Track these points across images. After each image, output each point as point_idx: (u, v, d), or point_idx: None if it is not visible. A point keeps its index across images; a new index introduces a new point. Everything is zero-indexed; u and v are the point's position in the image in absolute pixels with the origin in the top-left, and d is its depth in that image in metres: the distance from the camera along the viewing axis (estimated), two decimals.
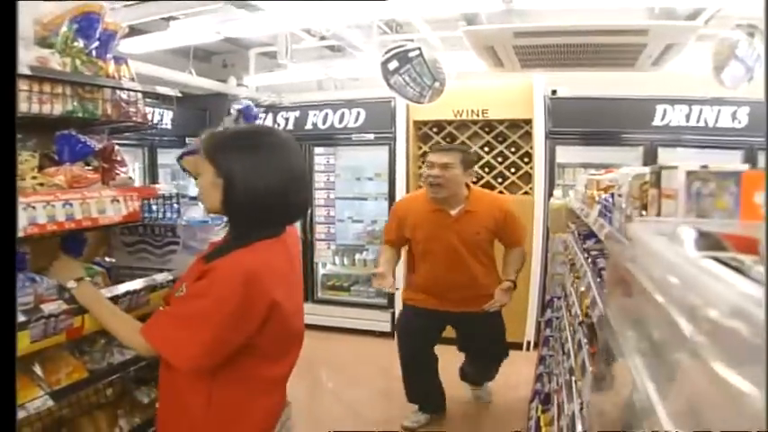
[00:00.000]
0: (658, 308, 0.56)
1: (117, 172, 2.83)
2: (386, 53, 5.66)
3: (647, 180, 1.61)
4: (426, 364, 4.65)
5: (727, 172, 1.01)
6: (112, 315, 2.29)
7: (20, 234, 2.08)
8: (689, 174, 1.14)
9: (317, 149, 7.58)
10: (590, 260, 2.91)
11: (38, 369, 2.39)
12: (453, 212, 4.29)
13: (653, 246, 0.65)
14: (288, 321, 2.12)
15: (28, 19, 2.63)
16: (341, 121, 7.42)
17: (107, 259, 3.08)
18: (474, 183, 6.79)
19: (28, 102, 2.29)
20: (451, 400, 4.90)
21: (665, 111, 6.31)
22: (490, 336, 4.62)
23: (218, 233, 2.84)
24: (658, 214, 1.38)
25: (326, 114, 7.49)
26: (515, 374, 5.52)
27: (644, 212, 1.60)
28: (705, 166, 1.19)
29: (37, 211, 2.14)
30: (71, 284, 2.28)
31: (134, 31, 4.71)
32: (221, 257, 2.00)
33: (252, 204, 2.01)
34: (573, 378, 2.67)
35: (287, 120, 7.65)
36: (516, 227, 4.49)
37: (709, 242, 0.65)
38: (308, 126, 7.54)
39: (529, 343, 6.58)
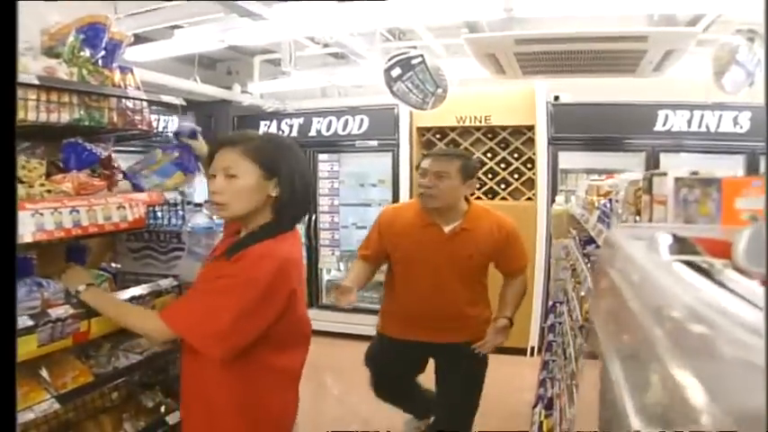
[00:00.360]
0: (628, 310, 0.59)
1: (117, 179, 2.87)
2: (389, 60, 5.70)
3: (640, 186, 1.65)
4: (404, 392, 4.16)
5: (710, 179, 1.05)
6: (124, 308, 2.40)
7: (28, 240, 2.12)
8: (677, 180, 1.18)
9: (321, 156, 7.62)
10: (590, 265, 2.94)
11: (44, 373, 2.43)
12: (447, 229, 3.55)
13: (628, 250, 0.69)
14: (301, 309, 2.28)
15: (35, 29, 2.68)
16: (344, 127, 7.47)
17: (113, 265, 3.12)
18: (477, 189, 6.89)
19: (36, 110, 2.34)
20: None
21: (666, 116, 6.33)
22: (467, 379, 3.76)
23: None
24: (650, 220, 1.42)
25: (330, 121, 7.53)
26: (519, 379, 5.54)
27: (638, 218, 1.63)
28: (695, 173, 1.22)
29: (45, 217, 2.18)
30: (81, 288, 2.33)
31: (139, 39, 4.76)
32: (250, 247, 2.11)
33: (296, 201, 2.21)
34: (574, 382, 2.70)
35: (291, 127, 7.70)
36: (518, 252, 3.76)
37: (682, 247, 0.68)
38: (312, 133, 7.58)
39: (533, 348, 6.59)
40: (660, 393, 0.44)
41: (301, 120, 7.69)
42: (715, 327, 0.41)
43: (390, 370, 3.97)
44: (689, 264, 0.62)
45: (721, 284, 0.55)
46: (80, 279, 2.38)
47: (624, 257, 0.71)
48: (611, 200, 2.45)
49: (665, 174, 1.26)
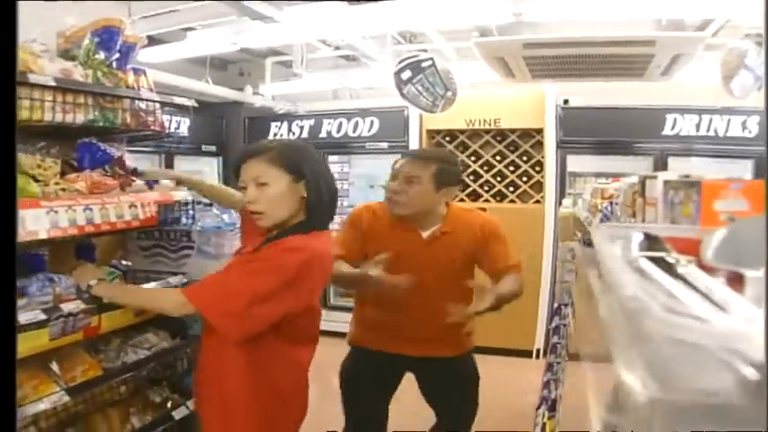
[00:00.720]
0: (594, 304, 0.64)
1: (132, 179, 2.93)
2: (399, 63, 5.74)
3: (636, 189, 1.69)
4: (377, 423, 3.45)
5: (692, 181, 1.09)
6: (138, 290, 2.49)
7: (43, 236, 2.19)
8: (665, 183, 1.22)
9: (332, 158, 7.66)
10: None
11: (55, 366, 2.49)
12: (425, 234, 3.14)
13: (600, 248, 0.74)
14: (317, 303, 2.40)
15: (51, 32, 2.75)
16: (355, 129, 7.51)
17: (123, 263, 3.18)
18: (486, 192, 6.94)
19: (52, 111, 2.41)
20: None
21: (675, 120, 6.34)
22: (460, 386, 3.37)
23: (232, 239, 2.93)
24: (643, 221, 1.46)
25: (341, 123, 7.58)
26: (524, 382, 5.55)
27: (633, 220, 1.68)
28: (687, 176, 1.26)
29: (59, 215, 2.25)
30: (92, 282, 2.39)
31: (153, 40, 4.83)
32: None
33: (324, 199, 2.29)
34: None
35: (302, 128, 7.75)
36: (502, 251, 3.26)
37: (652, 244, 0.73)
38: (323, 134, 7.63)
39: (539, 351, 6.60)
40: (615, 381, 0.48)
41: (312, 121, 7.74)
42: (651, 312, 0.45)
43: (366, 387, 3.35)
44: (655, 259, 0.67)
45: (679, 276, 0.60)
46: (91, 275, 2.44)
47: (597, 255, 0.75)
48: (612, 203, 2.49)
49: (655, 177, 1.31)
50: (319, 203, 2.27)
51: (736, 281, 0.64)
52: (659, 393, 0.37)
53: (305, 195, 2.23)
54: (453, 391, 3.36)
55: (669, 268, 0.65)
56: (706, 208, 1.00)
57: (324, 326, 2.89)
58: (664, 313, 0.43)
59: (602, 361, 0.61)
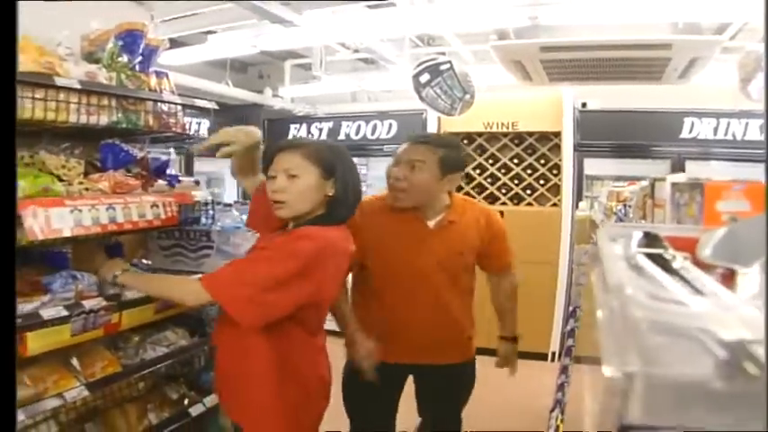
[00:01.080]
0: (594, 298, 0.67)
1: (153, 179, 2.98)
2: (418, 66, 5.76)
3: (647, 192, 1.72)
4: None
5: (696, 183, 1.12)
6: (162, 278, 2.56)
7: (67, 234, 2.24)
8: (673, 185, 1.25)
9: None
10: None
11: (75, 362, 2.54)
12: (431, 223, 2.93)
13: (601, 246, 0.77)
14: (332, 297, 2.44)
15: (76, 35, 2.82)
16: (373, 132, 7.55)
17: (144, 261, 3.23)
18: (504, 194, 6.95)
19: (77, 113, 2.47)
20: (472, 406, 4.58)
21: (692, 124, 6.31)
22: (459, 393, 3.20)
23: (251, 239, 2.97)
24: (652, 222, 1.49)
25: (359, 125, 7.62)
26: (538, 384, 5.55)
27: (643, 221, 1.70)
28: (696, 179, 1.29)
29: (83, 213, 2.30)
30: (117, 272, 2.45)
31: (174, 43, 4.89)
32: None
33: (348, 198, 2.35)
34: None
35: (320, 130, 7.80)
36: (506, 245, 3.16)
37: (650, 242, 0.76)
38: (341, 137, 7.67)
39: (554, 354, 6.60)
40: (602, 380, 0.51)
41: (331, 124, 7.78)
42: (631, 298, 0.48)
43: (373, 405, 3.09)
44: (651, 256, 0.70)
45: (673, 271, 0.63)
46: (117, 267, 2.50)
47: (599, 253, 0.79)
48: (626, 205, 2.51)
49: (664, 179, 1.33)
50: (343, 202, 2.33)
51: (729, 277, 0.67)
52: (638, 368, 0.40)
53: (330, 194, 2.29)
54: (452, 399, 3.20)
55: (665, 264, 0.68)
56: (709, 208, 1.03)
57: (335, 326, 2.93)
58: (648, 300, 0.46)
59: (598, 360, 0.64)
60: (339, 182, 2.30)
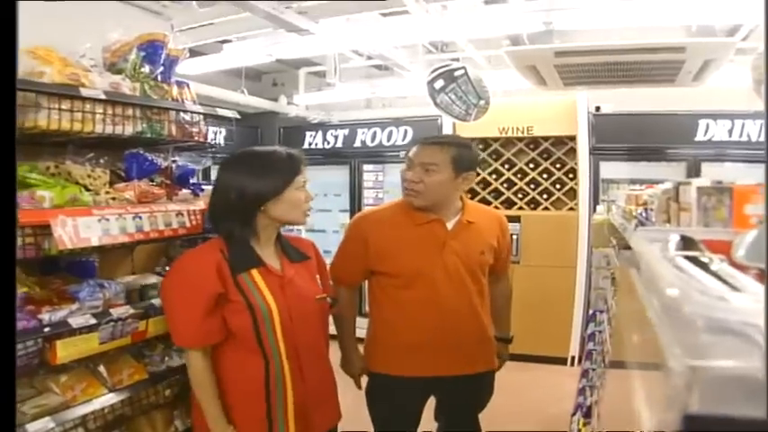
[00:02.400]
0: (638, 299, 0.69)
1: (178, 188, 3.02)
2: (432, 72, 5.79)
3: (670, 195, 1.73)
4: None
5: (724, 187, 1.13)
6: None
7: (95, 243, 2.28)
8: (699, 189, 1.27)
9: (366, 167, 7.71)
10: None
11: (102, 370, 2.57)
12: (450, 224, 2.90)
13: (640, 248, 0.79)
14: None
15: (97, 47, 2.85)
16: (389, 138, 7.57)
17: (167, 269, 3.26)
18: (520, 199, 6.95)
19: (102, 123, 2.51)
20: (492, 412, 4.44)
21: (707, 126, 6.29)
22: (474, 405, 3.18)
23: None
24: (678, 226, 1.50)
25: (375, 132, 7.65)
26: (559, 388, 5.55)
27: (668, 225, 1.71)
28: (719, 182, 1.31)
29: (110, 223, 2.34)
30: None
31: (190, 53, 4.94)
32: None
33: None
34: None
35: (336, 138, 7.83)
36: (509, 250, 3.21)
37: (687, 245, 0.78)
38: (357, 144, 7.70)
39: (573, 358, 6.58)
40: (658, 369, 0.52)
41: (346, 131, 7.81)
42: (690, 297, 0.50)
43: (401, 422, 3.02)
44: (690, 258, 0.72)
45: (713, 273, 0.65)
46: None
47: (639, 256, 0.81)
48: (647, 209, 2.51)
49: (689, 183, 1.35)
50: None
51: (761, 278, 0.69)
52: (696, 362, 0.42)
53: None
54: (473, 407, 3.18)
55: (703, 266, 0.70)
56: (738, 212, 1.05)
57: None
58: (701, 297, 0.48)
59: (650, 360, 0.65)
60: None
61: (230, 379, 2.35)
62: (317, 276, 2.57)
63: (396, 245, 2.87)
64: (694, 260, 0.72)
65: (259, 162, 2.38)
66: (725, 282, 0.61)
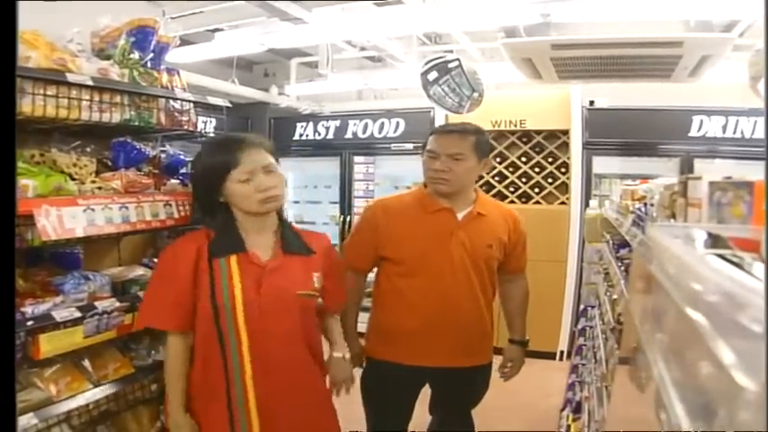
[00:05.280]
0: (670, 298, 0.64)
1: (166, 178, 2.95)
2: (426, 64, 5.74)
3: (676, 190, 1.68)
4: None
5: (743, 182, 1.08)
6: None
7: (80, 234, 2.21)
8: (711, 184, 1.22)
9: (357, 158, 7.66)
10: (623, 268, 2.96)
11: (87, 364, 2.51)
12: (460, 215, 2.91)
13: (667, 245, 0.74)
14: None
15: (87, 32, 2.78)
16: (380, 130, 7.53)
17: (154, 260, 3.20)
18: (512, 193, 6.91)
19: (89, 110, 2.43)
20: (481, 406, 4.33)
21: (701, 121, 6.28)
22: (469, 399, 3.19)
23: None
24: (685, 222, 1.45)
25: (366, 124, 7.60)
26: (548, 383, 5.55)
27: (672, 221, 1.67)
28: (729, 177, 1.26)
29: (96, 213, 2.27)
30: None
31: (180, 41, 4.87)
32: None
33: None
34: (604, 385, 2.72)
35: (327, 129, 7.78)
36: (525, 245, 3.16)
37: (715, 242, 0.73)
38: (348, 135, 7.66)
39: (562, 352, 6.59)
40: (704, 375, 0.48)
41: (338, 122, 7.77)
42: (748, 305, 0.45)
43: (394, 409, 3.07)
44: (721, 257, 0.67)
45: (750, 274, 0.60)
46: None
47: (662, 253, 0.76)
48: (645, 204, 2.47)
49: (699, 178, 1.30)
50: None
51: None
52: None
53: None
54: (468, 401, 3.20)
55: (736, 265, 0.65)
56: (758, 208, 1.00)
57: None
58: (758, 302, 0.43)
59: (677, 357, 0.61)
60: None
61: (195, 367, 2.35)
62: (316, 273, 2.47)
63: (404, 231, 2.91)
64: (724, 259, 0.67)
65: (201, 155, 2.42)
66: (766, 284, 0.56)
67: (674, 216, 1.70)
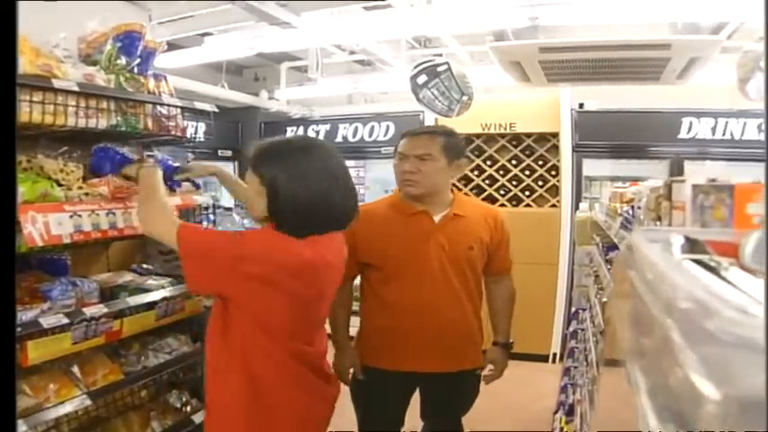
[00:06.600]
0: (643, 305, 0.64)
1: None
2: (415, 68, 5.75)
3: (661, 193, 1.69)
4: None
5: (724, 185, 1.09)
6: (158, 202, 2.24)
7: (66, 240, 2.21)
8: (694, 187, 1.22)
9: (348, 162, 7.62)
10: (612, 271, 2.97)
11: (76, 370, 2.51)
12: (437, 217, 2.87)
13: (644, 250, 0.74)
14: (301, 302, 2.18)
15: (74, 37, 2.78)
16: (370, 134, 7.53)
17: (143, 266, 3.20)
18: (502, 196, 6.92)
19: (75, 116, 2.43)
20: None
21: (690, 124, 6.30)
22: (458, 405, 3.16)
23: None
24: (670, 225, 1.46)
25: (356, 128, 7.60)
26: (541, 386, 5.55)
27: (658, 224, 1.67)
28: (713, 180, 1.26)
29: (83, 219, 2.27)
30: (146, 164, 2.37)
31: (169, 46, 4.86)
32: None
33: (294, 211, 2.09)
34: (595, 387, 2.73)
35: (317, 133, 7.76)
36: (508, 245, 3.11)
37: (692, 247, 0.73)
38: (339, 139, 7.64)
39: (555, 355, 6.59)
40: (673, 383, 0.48)
41: (328, 126, 7.76)
42: (715, 312, 0.45)
43: (384, 418, 3.04)
44: (698, 262, 0.67)
45: (725, 279, 0.60)
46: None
47: (640, 257, 0.76)
48: (633, 206, 2.48)
49: (683, 181, 1.31)
50: (281, 213, 2.16)
51: None
52: (731, 390, 0.37)
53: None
54: (458, 407, 3.16)
55: (712, 271, 0.65)
56: (739, 211, 1.00)
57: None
58: (724, 311, 0.43)
59: (652, 364, 0.61)
60: (273, 194, 2.10)
61: None
62: None
63: (381, 237, 2.87)
64: (701, 264, 0.67)
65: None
66: (738, 289, 0.56)
67: (659, 219, 1.70)
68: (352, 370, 2.93)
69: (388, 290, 2.87)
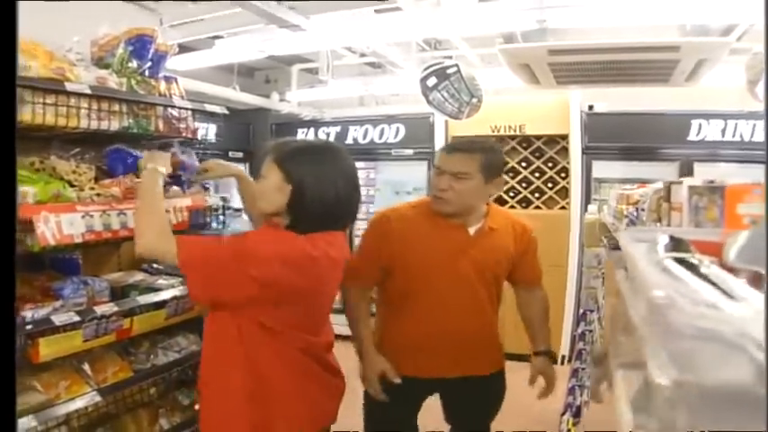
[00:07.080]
0: (623, 302, 0.67)
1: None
2: (425, 70, 5.76)
3: (662, 195, 1.71)
4: None
5: (715, 186, 1.11)
6: (158, 212, 2.27)
7: (78, 240, 2.24)
8: (690, 188, 1.24)
9: (358, 164, 7.61)
10: None
11: (87, 367, 2.55)
12: (472, 230, 2.85)
13: (628, 249, 0.76)
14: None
15: (85, 41, 2.82)
16: (381, 136, 7.55)
17: (154, 266, 3.23)
18: (511, 198, 6.93)
19: (87, 118, 2.47)
20: None
21: (700, 125, 6.28)
22: (486, 409, 3.15)
23: None
24: (668, 225, 1.48)
25: (367, 130, 7.62)
26: None
27: (658, 224, 1.69)
28: (711, 182, 1.28)
29: (94, 219, 2.30)
30: (149, 166, 2.36)
31: (181, 48, 4.90)
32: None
33: (318, 210, 2.16)
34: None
35: (328, 135, 7.79)
36: (537, 257, 3.10)
37: (677, 246, 0.75)
38: (349, 141, 7.66)
39: (564, 357, 6.58)
40: (641, 375, 0.50)
41: (338, 128, 7.78)
42: (681, 307, 0.48)
43: (398, 418, 3.01)
44: (680, 260, 0.69)
45: (704, 276, 0.62)
46: (158, 161, 2.41)
47: (625, 256, 0.78)
48: (638, 208, 2.49)
49: (680, 183, 1.33)
50: (303, 212, 2.19)
51: (757, 281, 0.66)
52: (682, 376, 0.39)
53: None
54: (483, 411, 3.13)
55: (693, 268, 0.67)
56: (730, 212, 1.02)
57: (347, 331, 2.91)
58: (690, 306, 0.45)
59: (632, 362, 0.63)
60: (300, 193, 2.14)
61: None
62: None
63: (416, 243, 2.83)
64: (683, 262, 0.70)
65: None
66: (716, 286, 0.59)
67: (660, 220, 1.73)
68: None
69: (415, 294, 2.84)
